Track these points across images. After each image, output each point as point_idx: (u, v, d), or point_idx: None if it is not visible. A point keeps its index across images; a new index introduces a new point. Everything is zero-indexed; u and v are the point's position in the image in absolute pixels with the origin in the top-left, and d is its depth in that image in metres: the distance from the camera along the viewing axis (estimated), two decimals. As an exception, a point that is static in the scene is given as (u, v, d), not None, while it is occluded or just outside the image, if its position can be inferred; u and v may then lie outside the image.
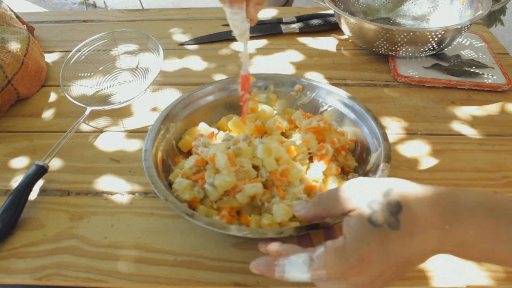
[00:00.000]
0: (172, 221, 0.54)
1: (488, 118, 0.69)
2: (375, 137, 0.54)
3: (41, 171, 0.57)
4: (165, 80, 0.79)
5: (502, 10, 1.37)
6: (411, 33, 0.73)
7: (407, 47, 0.76)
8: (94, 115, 0.71)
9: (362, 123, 0.57)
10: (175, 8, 1.05)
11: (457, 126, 0.67)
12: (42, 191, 0.58)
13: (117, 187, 0.58)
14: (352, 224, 0.36)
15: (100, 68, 0.79)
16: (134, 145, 0.65)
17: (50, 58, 0.86)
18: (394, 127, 0.68)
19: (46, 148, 0.64)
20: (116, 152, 0.64)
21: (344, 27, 0.82)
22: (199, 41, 0.90)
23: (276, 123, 0.58)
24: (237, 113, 0.63)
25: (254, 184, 0.49)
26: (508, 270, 0.47)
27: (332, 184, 0.52)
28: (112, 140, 0.66)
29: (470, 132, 0.66)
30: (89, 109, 0.68)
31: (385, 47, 0.78)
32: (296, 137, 0.56)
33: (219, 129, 0.62)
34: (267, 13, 1.00)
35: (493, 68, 0.77)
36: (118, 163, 0.62)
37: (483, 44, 0.85)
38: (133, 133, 0.68)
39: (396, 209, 0.35)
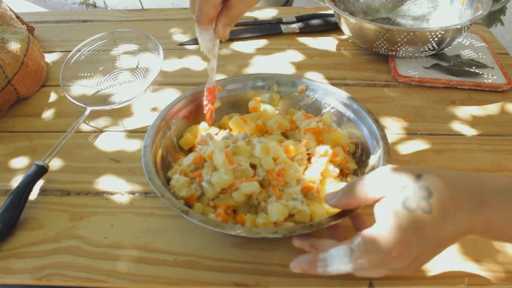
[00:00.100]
0: (172, 221, 0.54)
1: (488, 118, 0.69)
2: (375, 139, 0.54)
3: (41, 171, 0.57)
4: (165, 80, 0.79)
5: (502, 10, 1.37)
6: (411, 33, 0.73)
7: (407, 47, 0.76)
8: (94, 115, 0.71)
9: (362, 125, 0.57)
10: (175, 8, 1.05)
11: (457, 126, 0.67)
12: (42, 191, 0.58)
13: (117, 187, 0.58)
14: (387, 211, 0.37)
15: (100, 68, 0.79)
16: (134, 145, 0.65)
17: (50, 58, 0.86)
18: (394, 127, 0.68)
19: (46, 148, 0.64)
20: (116, 152, 0.64)
21: (344, 27, 0.82)
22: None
23: (277, 123, 0.58)
24: (239, 112, 0.64)
25: (251, 183, 0.49)
26: (508, 270, 0.47)
27: (330, 185, 0.52)
28: (112, 140, 0.66)
29: (470, 132, 0.66)
30: (89, 109, 0.68)
31: (385, 47, 0.78)
32: (296, 138, 0.56)
33: (221, 127, 0.62)
34: (267, 13, 1.00)
35: (493, 68, 0.77)
36: (118, 163, 0.62)
37: (483, 44, 0.85)
38: (133, 133, 0.68)
39: (427, 194, 0.36)
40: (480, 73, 0.76)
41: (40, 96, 0.76)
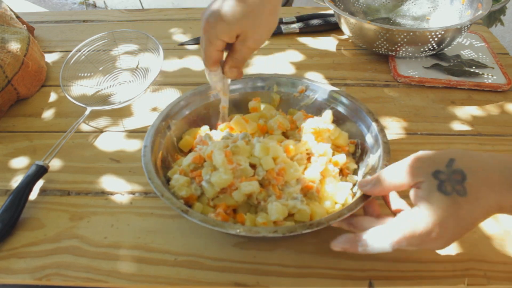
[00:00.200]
0: (172, 221, 0.54)
1: (488, 118, 0.69)
2: (375, 139, 0.54)
3: (41, 171, 0.57)
4: (165, 80, 0.79)
5: (502, 10, 1.37)
6: (411, 33, 0.73)
7: (407, 47, 0.76)
8: (94, 115, 0.71)
9: (362, 124, 0.57)
10: (175, 8, 1.05)
11: (457, 126, 0.67)
12: (42, 191, 0.58)
13: (117, 187, 0.58)
14: (423, 195, 0.39)
15: (100, 68, 0.79)
16: (134, 145, 0.65)
17: (50, 58, 0.86)
18: (394, 127, 0.68)
19: (46, 148, 0.64)
20: (116, 152, 0.64)
21: (344, 27, 0.82)
22: (199, 41, 0.90)
23: (277, 123, 0.58)
24: (240, 112, 0.64)
25: (250, 182, 0.49)
26: (508, 270, 0.47)
27: (329, 185, 0.52)
28: (112, 140, 0.66)
29: (470, 132, 0.66)
30: (89, 109, 0.68)
31: (385, 47, 0.78)
32: (296, 138, 0.56)
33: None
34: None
35: (493, 68, 0.77)
36: (118, 163, 0.62)
37: (483, 44, 0.85)
38: (133, 133, 0.68)
39: (461, 177, 0.38)
40: (480, 73, 0.76)
41: (40, 96, 0.76)
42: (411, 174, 0.41)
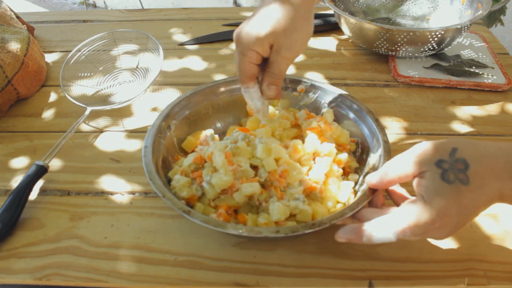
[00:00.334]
0: (172, 221, 0.54)
1: (488, 118, 0.69)
2: (376, 139, 0.54)
3: (41, 171, 0.57)
4: (165, 80, 0.79)
5: (502, 10, 1.37)
6: (411, 33, 0.73)
7: (407, 47, 0.76)
8: (94, 115, 0.71)
9: (363, 124, 0.57)
10: (175, 8, 1.05)
11: (457, 126, 0.67)
12: (42, 191, 0.58)
13: (117, 187, 0.58)
14: (427, 184, 0.40)
15: (100, 68, 0.79)
16: (134, 145, 0.65)
17: (50, 58, 0.86)
18: (394, 127, 0.68)
19: (46, 148, 0.64)
20: (116, 152, 0.64)
21: (344, 27, 0.82)
22: (199, 41, 0.90)
23: (283, 116, 0.58)
24: (239, 112, 0.64)
25: (251, 183, 0.49)
26: (508, 270, 0.47)
27: (332, 185, 0.52)
28: (112, 140, 0.66)
29: (470, 132, 0.66)
30: (89, 109, 0.68)
31: (385, 47, 0.78)
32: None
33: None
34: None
35: (493, 68, 0.77)
36: (118, 163, 0.62)
37: (483, 44, 0.85)
38: (133, 133, 0.68)
39: (464, 166, 0.39)
40: (480, 73, 0.76)
41: (40, 96, 0.76)
42: (415, 164, 0.41)
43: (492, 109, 0.71)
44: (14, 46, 0.72)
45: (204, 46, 0.89)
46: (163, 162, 0.54)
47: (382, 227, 0.41)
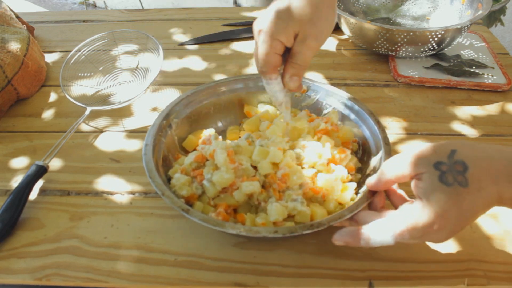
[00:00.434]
0: (172, 221, 0.54)
1: (488, 118, 0.69)
2: (376, 141, 0.54)
3: (41, 171, 0.57)
4: (165, 80, 0.79)
5: (502, 10, 1.37)
6: (411, 33, 0.73)
7: (407, 47, 0.76)
8: (94, 115, 0.71)
9: (364, 126, 0.57)
10: (175, 8, 1.05)
11: (457, 126, 0.67)
12: (42, 191, 0.58)
13: (117, 187, 0.58)
14: (425, 186, 0.39)
15: (100, 68, 0.79)
16: (134, 145, 0.65)
17: (50, 58, 0.86)
18: (394, 127, 0.68)
19: (46, 148, 0.64)
20: (116, 152, 0.64)
21: (344, 27, 0.82)
22: (199, 41, 0.90)
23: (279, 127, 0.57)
24: (240, 112, 0.64)
25: (252, 182, 0.49)
26: (508, 270, 0.47)
27: (336, 188, 0.51)
28: (112, 140, 0.66)
29: (470, 132, 0.66)
30: (89, 109, 0.68)
31: (385, 47, 0.78)
32: (308, 140, 0.55)
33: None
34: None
35: (493, 68, 0.77)
36: (118, 163, 0.62)
37: (483, 44, 0.85)
38: (133, 133, 0.68)
39: (463, 168, 0.38)
40: (480, 73, 0.76)
41: (40, 96, 0.76)
42: (412, 165, 0.40)
43: (492, 109, 0.71)
44: (14, 46, 0.72)
45: (204, 46, 0.89)
46: (163, 161, 0.54)
47: (380, 230, 0.41)
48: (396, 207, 0.45)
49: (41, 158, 0.61)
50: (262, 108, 0.63)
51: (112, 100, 0.74)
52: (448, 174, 0.38)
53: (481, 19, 0.91)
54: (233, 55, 0.86)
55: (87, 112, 0.68)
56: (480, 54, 0.82)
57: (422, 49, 0.77)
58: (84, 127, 0.69)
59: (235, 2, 2.28)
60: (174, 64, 0.83)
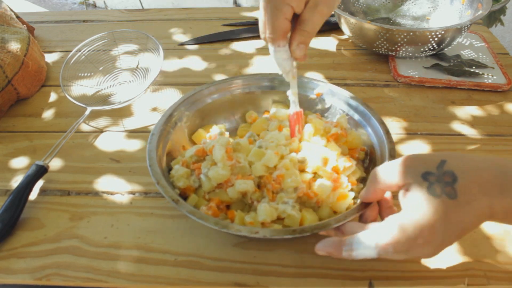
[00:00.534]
0: (172, 221, 0.54)
1: (488, 118, 0.69)
2: (384, 150, 0.52)
3: (41, 171, 0.57)
4: (165, 80, 0.79)
5: (502, 10, 1.37)
6: (411, 33, 0.73)
7: (407, 47, 0.76)
8: (94, 115, 0.71)
9: (373, 134, 0.55)
10: (175, 8, 1.05)
11: (457, 126, 0.67)
12: (42, 191, 0.58)
13: (117, 187, 0.58)
14: (412, 197, 0.37)
15: (100, 68, 0.79)
16: (134, 145, 0.65)
17: (50, 58, 0.86)
18: (394, 127, 0.68)
19: (46, 148, 0.64)
20: (116, 152, 0.64)
21: (344, 27, 0.82)
22: (199, 41, 0.90)
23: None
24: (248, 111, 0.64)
25: (245, 180, 0.49)
26: (508, 270, 0.47)
27: (331, 195, 0.50)
28: (112, 140, 0.66)
29: (470, 132, 0.66)
30: (89, 109, 0.68)
31: (385, 47, 0.78)
32: (317, 141, 0.55)
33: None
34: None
35: (493, 68, 0.77)
36: (118, 163, 0.62)
37: (483, 44, 0.85)
38: (133, 133, 0.68)
39: (451, 179, 0.36)
40: (480, 73, 0.76)
41: (40, 96, 0.76)
42: (400, 174, 0.39)
43: (492, 109, 0.71)
44: (14, 46, 0.72)
45: (204, 46, 0.89)
46: (169, 152, 0.54)
47: (364, 243, 0.39)
48: (382, 219, 0.43)
49: (41, 158, 0.61)
50: (274, 109, 0.62)
51: (112, 100, 0.74)
52: (436, 185, 0.37)
53: (481, 19, 0.91)
54: (233, 55, 0.86)
55: (87, 112, 0.68)
56: (480, 54, 0.82)
57: (422, 49, 0.77)
58: (84, 127, 0.69)
59: (235, 2, 2.28)
60: (174, 64, 0.83)
